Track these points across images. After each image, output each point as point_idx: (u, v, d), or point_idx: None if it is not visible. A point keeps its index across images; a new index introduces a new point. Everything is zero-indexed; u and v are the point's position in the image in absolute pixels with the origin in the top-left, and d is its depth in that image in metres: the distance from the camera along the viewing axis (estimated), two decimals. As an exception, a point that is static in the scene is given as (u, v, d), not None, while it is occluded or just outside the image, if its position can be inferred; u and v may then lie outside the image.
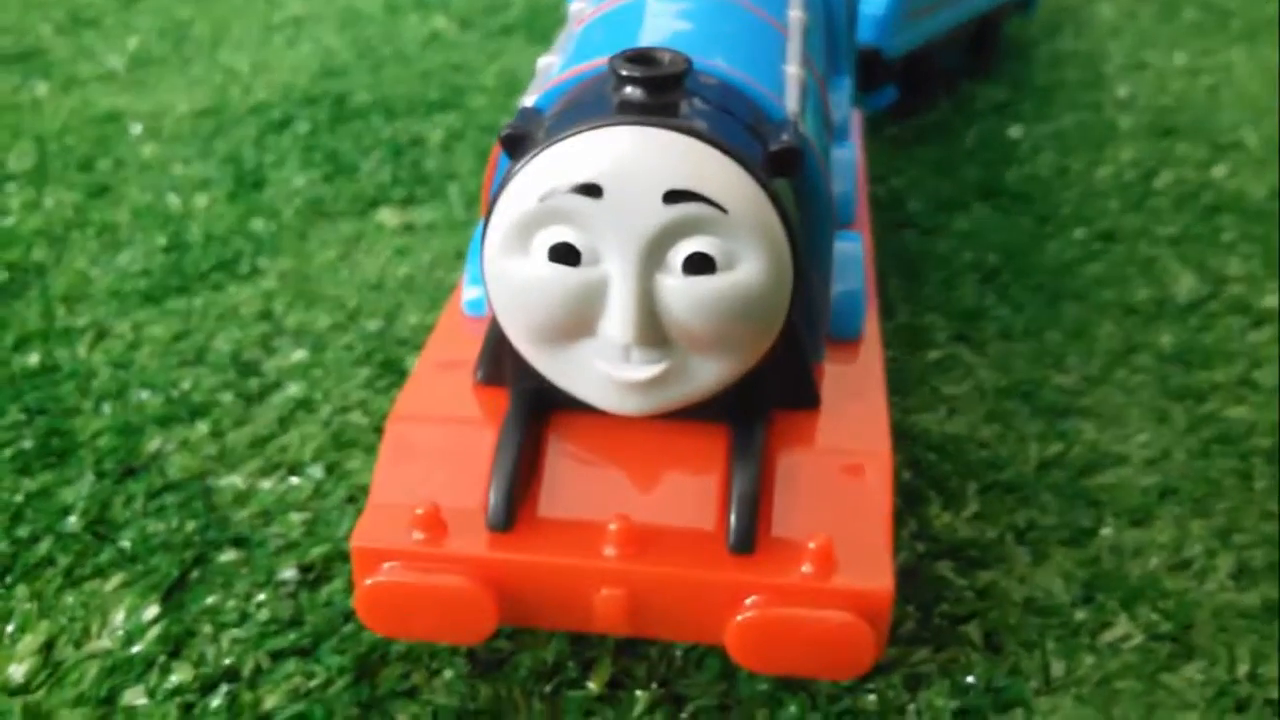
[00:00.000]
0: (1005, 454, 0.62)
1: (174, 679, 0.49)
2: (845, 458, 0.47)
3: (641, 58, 0.44)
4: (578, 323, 0.43)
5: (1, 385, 0.66)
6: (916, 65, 0.98)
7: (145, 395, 0.65)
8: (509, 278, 0.43)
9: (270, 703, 0.48)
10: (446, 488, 0.47)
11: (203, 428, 0.62)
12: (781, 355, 0.47)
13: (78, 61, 1.09)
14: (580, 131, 0.42)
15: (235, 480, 0.59)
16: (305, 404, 0.64)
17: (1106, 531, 0.57)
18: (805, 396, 0.49)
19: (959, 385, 0.68)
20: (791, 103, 0.48)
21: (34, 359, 0.68)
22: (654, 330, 0.43)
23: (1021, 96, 1.03)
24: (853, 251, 0.55)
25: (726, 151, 0.42)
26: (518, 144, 0.44)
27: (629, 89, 0.43)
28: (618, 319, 0.42)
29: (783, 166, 0.44)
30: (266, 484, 0.59)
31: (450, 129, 0.96)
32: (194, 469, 0.60)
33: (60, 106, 1.00)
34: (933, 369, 0.69)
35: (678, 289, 0.42)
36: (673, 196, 0.41)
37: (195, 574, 0.54)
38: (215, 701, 0.48)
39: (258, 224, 0.81)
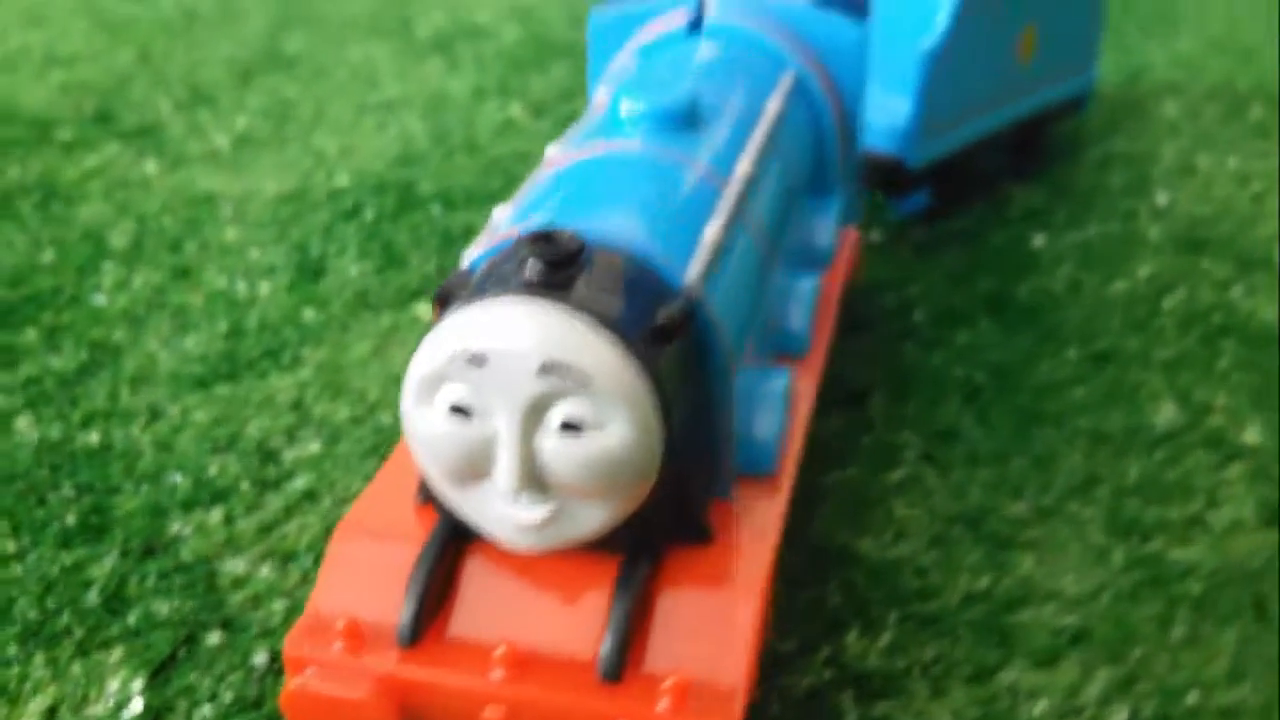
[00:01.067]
0: (936, 583, 0.66)
1: (148, 747, 0.57)
2: (718, 596, 0.52)
3: (543, 237, 0.50)
4: (476, 469, 0.50)
5: (62, 461, 0.76)
6: (951, 170, 1.01)
7: (178, 478, 0.74)
8: (418, 426, 0.50)
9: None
10: (374, 602, 0.54)
11: (218, 513, 0.71)
12: (667, 497, 0.52)
13: (189, 140, 1.21)
14: (480, 301, 0.49)
15: (238, 565, 0.67)
16: (311, 495, 0.72)
17: (1011, 672, 0.61)
18: (696, 533, 0.55)
19: (912, 509, 0.72)
20: (693, 271, 0.54)
21: (94, 438, 0.78)
22: (536, 480, 0.49)
23: (1059, 202, 1.05)
24: (776, 390, 0.60)
25: (599, 326, 0.48)
26: (442, 303, 0.51)
27: (528, 265, 0.49)
28: (503, 470, 0.49)
29: (666, 336, 0.50)
30: (264, 570, 0.67)
31: (503, 220, 1.03)
32: (204, 552, 0.68)
33: (164, 185, 1.11)
34: (893, 489, 0.73)
35: (554, 448, 0.48)
36: (546, 368, 0.47)
37: (184, 652, 0.62)
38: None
39: (309, 313, 0.91)
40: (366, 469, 0.75)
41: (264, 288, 0.94)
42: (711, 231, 0.56)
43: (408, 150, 1.17)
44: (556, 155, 0.64)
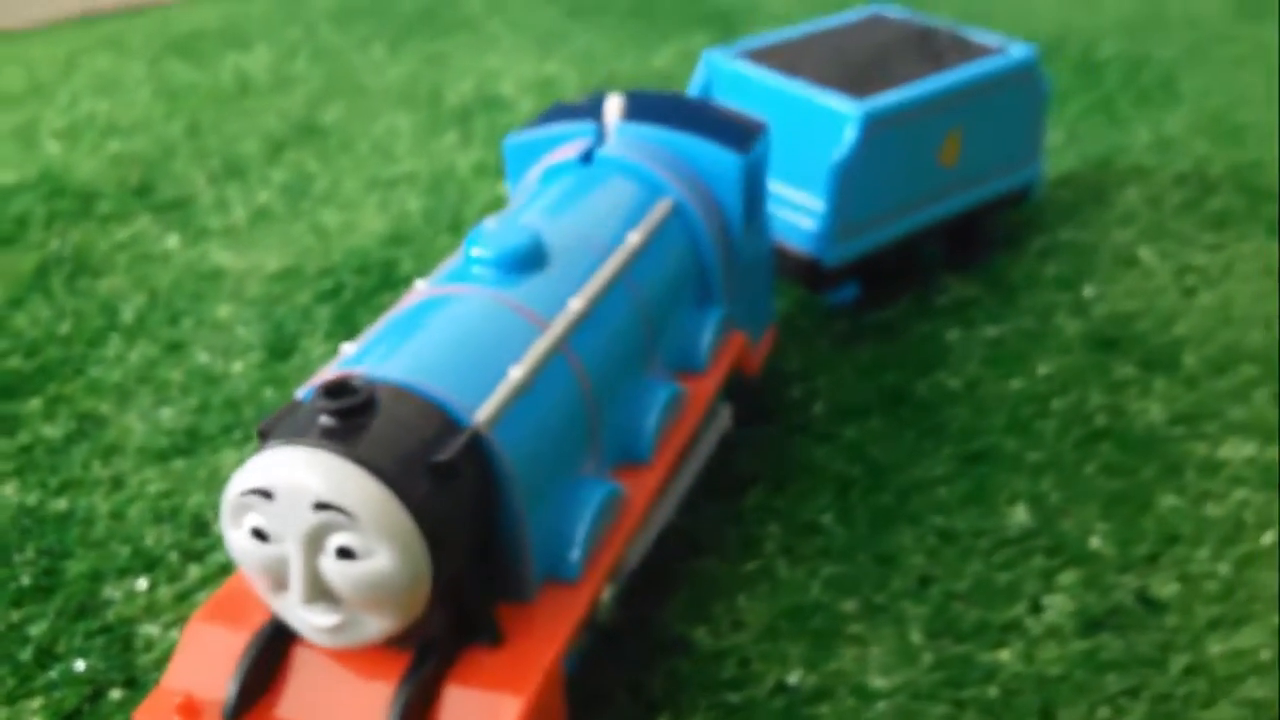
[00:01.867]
0: (755, 673, 0.73)
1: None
2: (490, 694, 0.60)
3: (336, 389, 0.59)
4: (278, 581, 0.59)
5: (32, 526, 0.88)
6: (879, 264, 1.07)
7: (121, 547, 0.85)
8: (232, 543, 0.59)
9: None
10: (210, 682, 0.63)
11: (144, 581, 0.82)
12: (449, 606, 0.61)
13: (213, 214, 1.33)
14: (277, 445, 0.58)
15: (152, 629, 0.78)
16: (227, 567, 0.83)
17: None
18: (488, 635, 0.63)
19: (756, 600, 0.78)
20: (483, 412, 0.62)
21: (62, 504, 0.90)
22: (322, 595, 0.58)
23: (989, 294, 1.10)
24: (588, 504, 0.68)
25: (368, 471, 0.56)
26: (262, 436, 0.61)
27: (320, 412, 0.58)
28: (294, 586, 0.58)
29: (442, 473, 0.59)
30: (173, 634, 0.78)
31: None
32: (127, 616, 0.79)
33: (181, 259, 1.24)
34: (745, 581, 0.80)
35: (333, 569, 0.57)
36: (320, 506, 0.56)
37: (88, 707, 0.73)
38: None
39: (268, 392, 1.01)
40: (283, 543, 0.85)
41: (237, 365, 1.05)
42: (515, 373, 0.65)
43: (400, 229, 1.27)
44: (416, 291, 0.73)
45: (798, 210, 1.02)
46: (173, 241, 1.28)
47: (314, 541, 0.57)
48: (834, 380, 0.99)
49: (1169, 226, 1.19)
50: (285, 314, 1.12)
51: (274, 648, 0.63)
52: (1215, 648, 0.73)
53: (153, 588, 0.81)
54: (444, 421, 0.61)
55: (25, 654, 0.77)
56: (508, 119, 1.53)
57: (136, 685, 0.74)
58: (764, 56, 1.07)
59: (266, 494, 0.57)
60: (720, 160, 0.86)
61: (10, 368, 1.07)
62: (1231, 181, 1.27)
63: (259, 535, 0.58)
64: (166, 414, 1.00)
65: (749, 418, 0.94)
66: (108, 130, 1.55)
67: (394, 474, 0.57)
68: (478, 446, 0.61)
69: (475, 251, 0.72)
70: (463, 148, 1.46)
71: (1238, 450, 0.89)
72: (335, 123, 1.55)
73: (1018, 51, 1.08)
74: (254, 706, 0.62)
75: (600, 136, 0.88)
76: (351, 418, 0.58)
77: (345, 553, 0.57)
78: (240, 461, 0.93)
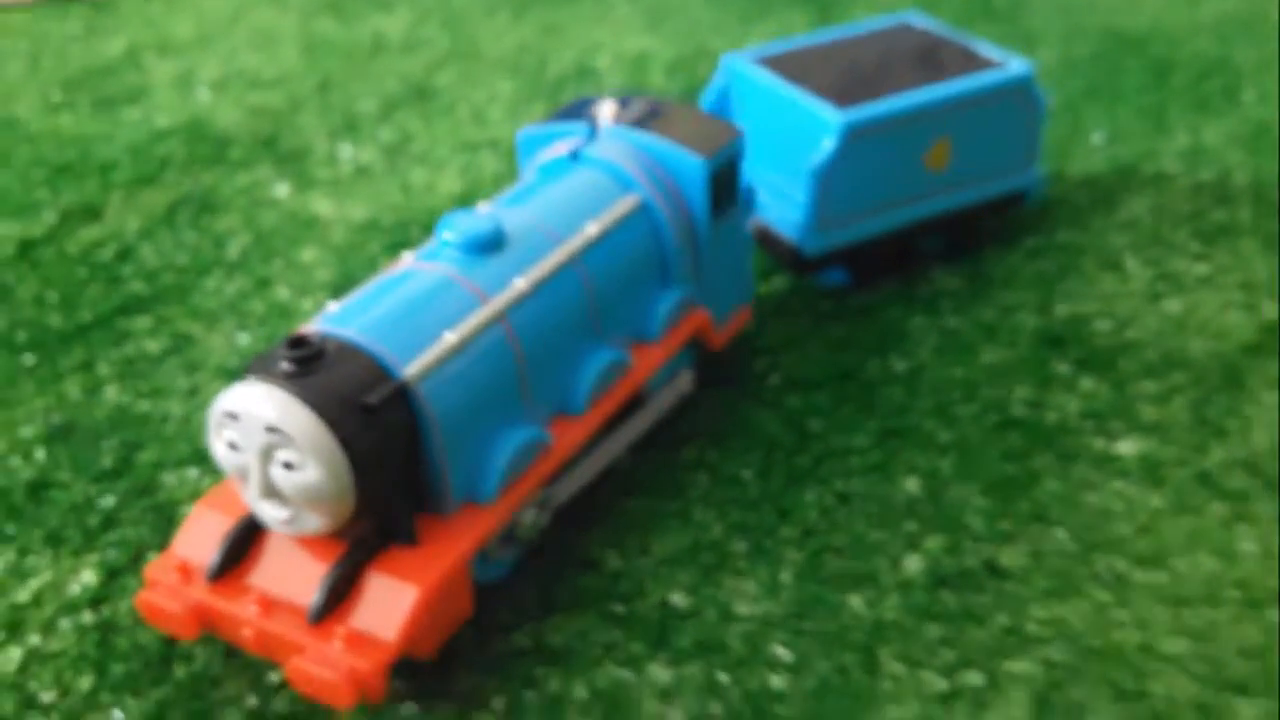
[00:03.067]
0: (644, 591, 0.88)
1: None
2: (397, 582, 0.78)
3: (298, 341, 0.77)
4: (242, 482, 0.78)
5: (121, 421, 1.10)
6: (867, 253, 1.18)
7: (183, 445, 1.06)
8: (215, 450, 0.78)
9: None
10: (203, 552, 0.83)
11: (194, 472, 1.03)
12: (374, 513, 0.78)
13: (323, 167, 1.54)
14: (248, 378, 0.76)
15: (189, 509, 0.99)
16: (260, 467, 1.03)
17: (654, 667, 0.83)
18: (406, 538, 0.80)
19: (666, 535, 0.93)
20: (413, 368, 0.79)
21: (147, 406, 1.12)
22: (273, 494, 0.76)
23: (968, 287, 1.20)
24: (508, 444, 0.84)
25: (307, 404, 0.74)
26: (248, 370, 0.79)
27: (282, 358, 0.76)
28: (251, 486, 0.77)
29: (371, 411, 0.76)
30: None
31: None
32: (176, 498, 1.00)
33: (287, 206, 1.45)
34: (662, 518, 0.95)
35: (279, 476, 0.75)
36: (268, 429, 0.74)
37: (130, 566, 0.94)
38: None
39: (326, 327, 1.21)
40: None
41: (307, 303, 1.25)
42: (449, 339, 0.81)
43: (471, 191, 1.45)
44: (400, 262, 0.90)
45: (787, 202, 1.15)
46: (283, 190, 1.49)
47: (266, 454, 0.75)
48: (797, 355, 1.12)
49: (1163, 235, 1.26)
50: (356, 261, 1.32)
51: (249, 533, 0.82)
52: (1037, 613, 0.85)
53: (200, 477, 1.02)
54: (379, 373, 0.78)
55: (93, 521, 0.99)
56: (592, 91, 1.68)
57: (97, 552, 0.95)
58: (778, 63, 1.19)
59: (234, 416, 0.76)
60: (688, 163, 1.00)
61: (131, 291, 1.30)
62: (1249, 194, 1.32)
63: (231, 446, 0.77)
64: (243, 339, 1.21)
65: (713, 382, 1.09)
66: (253, 83, 1.77)
67: (327, 409, 0.75)
68: (405, 395, 0.78)
69: (445, 235, 0.89)
70: (542, 116, 1.62)
71: (1133, 448, 0.99)
72: (446, 86, 1.74)
73: (1015, 67, 1.17)
74: (229, 573, 0.82)
75: (591, 137, 1.03)
76: (304, 364, 0.76)
77: (287, 465, 0.75)
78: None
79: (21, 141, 1.63)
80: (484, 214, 0.90)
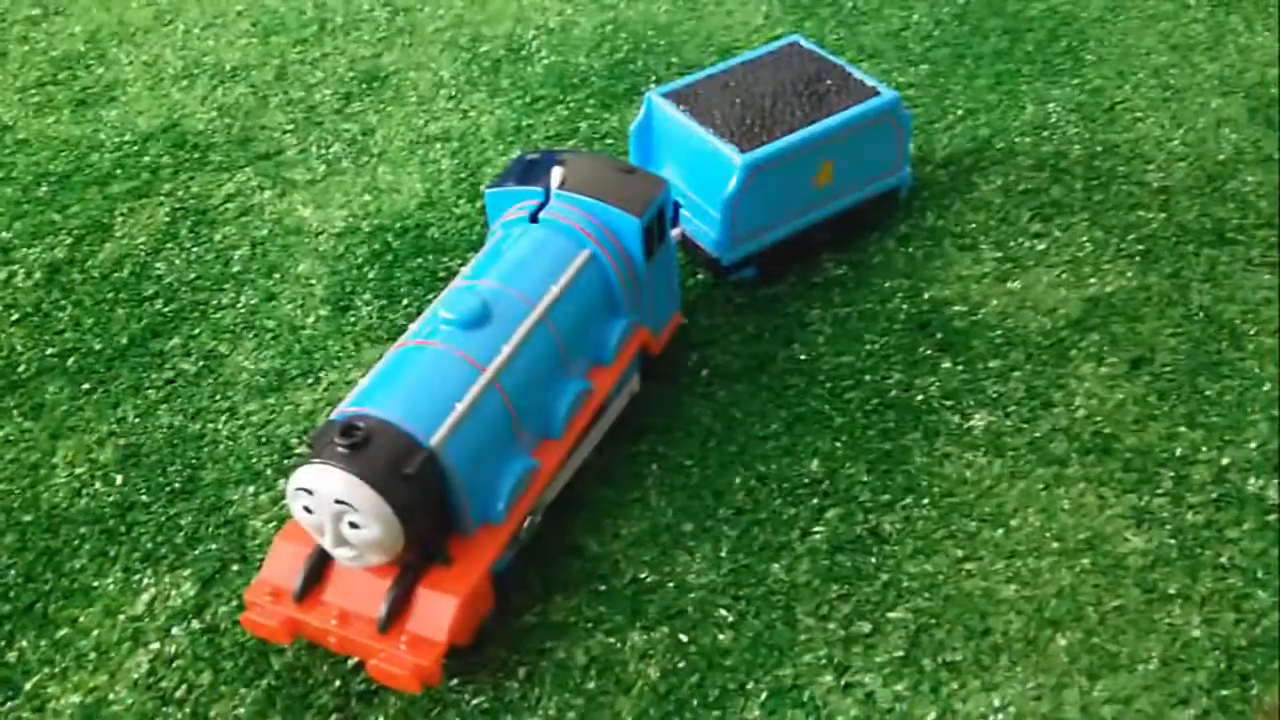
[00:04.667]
0: (619, 570, 1.17)
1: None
2: (440, 593, 1.06)
3: (346, 428, 1.03)
4: (319, 532, 1.05)
5: (179, 444, 1.35)
6: (771, 254, 1.44)
7: (236, 463, 1.32)
8: (292, 510, 1.05)
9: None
10: (288, 577, 1.10)
11: (251, 489, 1.29)
12: (419, 546, 1.06)
13: (297, 167, 1.74)
14: (312, 462, 1.02)
15: (257, 524, 1.25)
16: (303, 481, 1.29)
17: (632, 633, 1.12)
18: (440, 558, 1.08)
19: (630, 520, 1.22)
20: (437, 436, 1.05)
21: (197, 427, 1.36)
22: (343, 543, 1.04)
23: (852, 275, 1.47)
24: (509, 475, 1.12)
25: (363, 479, 1.00)
26: (310, 447, 1.05)
27: (332, 445, 1.02)
28: (326, 539, 1.04)
29: (410, 478, 1.02)
30: (269, 529, 1.25)
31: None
32: (242, 514, 1.27)
33: (274, 212, 1.66)
34: (626, 506, 1.24)
35: (347, 532, 1.02)
36: (337, 501, 1.01)
37: (219, 576, 1.21)
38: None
39: (332, 344, 1.45)
40: (339, 464, 1.30)
41: (310, 318, 1.49)
42: (459, 408, 1.07)
43: (431, 192, 1.67)
44: (403, 339, 1.15)
45: (705, 219, 1.40)
46: (268, 194, 1.70)
47: (337, 517, 1.02)
48: (721, 348, 1.40)
49: (1010, 214, 1.53)
50: (345, 273, 1.55)
51: (322, 560, 1.10)
52: (909, 569, 1.16)
53: (256, 494, 1.29)
54: (412, 445, 1.05)
55: (179, 538, 1.25)
56: (527, 73, 1.88)
57: (248, 562, 1.22)
58: (686, 100, 1.42)
59: (309, 491, 1.02)
60: (625, 221, 1.24)
61: (156, 309, 1.53)
62: (1082, 167, 1.59)
63: (307, 510, 1.04)
64: (265, 357, 1.45)
65: (655, 377, 1.36)
66: (216, 74, 1.94)
67: (378, 482, 1.01)
68: (433, 459, 1.05)
69: (443, 314, 1.14)
70: (488, 105, 1.82)
71: (981, 421, 1.29)
72: (394, 69, 1.92)
73: (885, 96, 1.41)
74: (310, 592, 1.10)
75: (545, 199, 1.26)
76: (355, 448, 1.02)
77: (353, 525, 1.02)
78: (313, 402, 1.38)
79: (17, 149, 1.81)
80: (474, 294, 1.15)
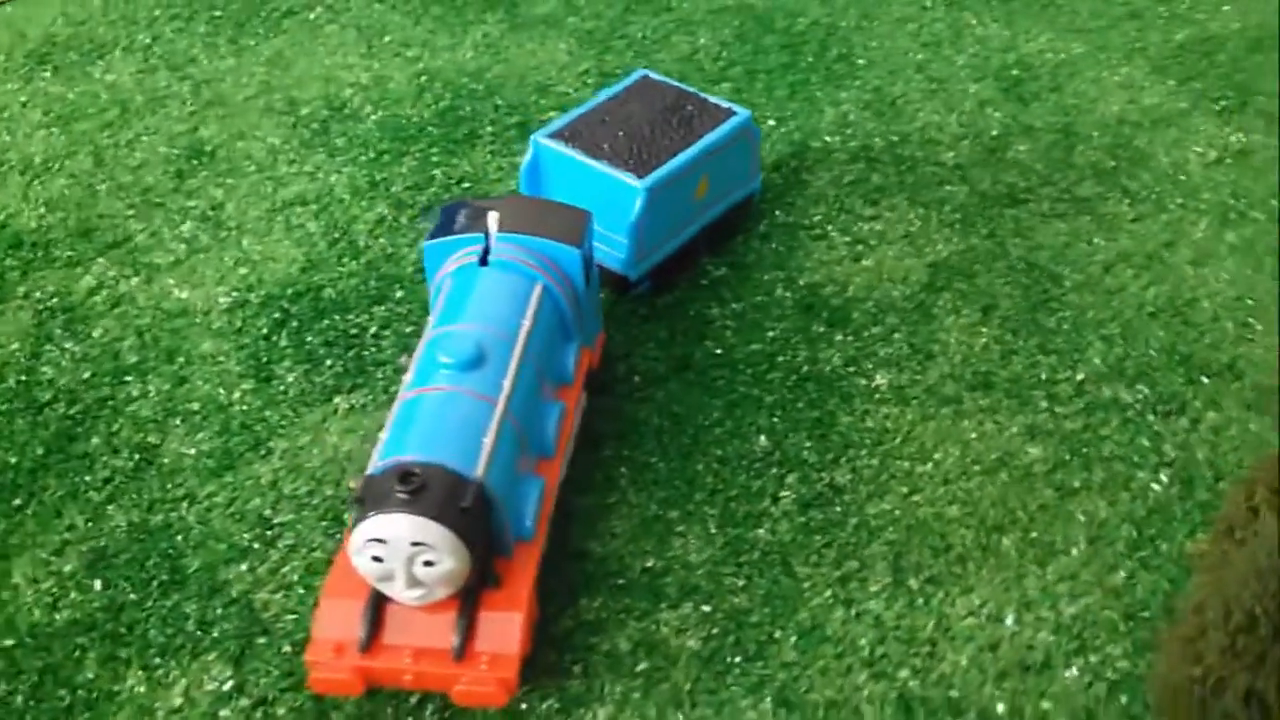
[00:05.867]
0: (626, 566, 1.29)
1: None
2: (503, 613, 1.15)
3: (403, 474, 1.10)
4: (385, 578, 1.11)
5: (145, 538, 1.34)
6: (663, 266, 1.60)
7: (218, 544, 1.34)
8: (358, 564, 1.11)
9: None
10: (346, 629, 1.15)
11: (244, 566, 1.31)
12: (478, 574, 1.14)
13: (154, 250, 1.73)
14: (379, 512, 1.09)
15: (264, 596, 1.28)
16: (296, 547, 1.33)
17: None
18: (493, 582, 1.17)
19: (620, 520, 1.34)
20: (478, 469, 1.14)
21: (159, 518, 1.36)
22: (415, 584, 1.11)
23: (734, 274, 1.65)
24: (531, 496, 1.22)
25: (431, 519, 1.08)
26: (360, 501, 1.11)
27: (395, 493, 1.09)
28: (397, 584, 1.10)
29: (467, 510, 1.11)
30: (278, 596, 1.28)
31: (384, 319, 1.60)
32: (244, 590, 1.29)
33: (149, 298, 1.65)
34: (609, 509, 1.36)
35: (420, 571, 1.10)
36: (413, 544, 1.08)
37: (247, 651, 1.23)
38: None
39: (268, 413, 1.48)
40: (326, 525, 1.35)
41: (236, 395, 1.51)
42: (487, 441, 1.17)
43: (310, 255, 1.70)
44: (405, 392, 1.22)
45: (611, 244, 1.54)
46: (134, 281, 1.68)
47: (410, 560, 1.09)
48: (643, 356, 1.54)
49: (845, 203, 1.76)
50: (252, 345, 1.57)
51: (377, 606, 1.16)
52: (870, 511, 1.35)
53: (252, 569, 1.31)
54: (460, 482, 1.13)
55: (189, 626, 1.26)
56: (360, 130, 1.94)
57: (271, 634, 1.25)
58: (570, 138, 1.56)
59: (381, 540, 1.09)
60: (567, 253, 1.36)
61: (61, 414, 1.49)
62: (888, 156, 1.84)
63: (376, 559, 1.10)
64: (202, 439, 1.46)
65: (595, 391, 1.48)
66: (28, 169, 1.88)
67: (448, 519, 1.09)
68: (481, 490, 1.14)
69: (442, 358, 1.22)
70: (332, 165, 1.87)
71: (884, 380, 1.50)
72: (219, 142, 1.93)
73: (740, 115, 1.60)
74: (374, 640, 1.15)
75: (488, 244, 1.36)
76: (415, 492, 1.10)
77: (428, 563, 1.09)
78: (273, 472, 1.41)
79: None
80: (465, 337, 1.24)
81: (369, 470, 1.15)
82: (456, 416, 1.19)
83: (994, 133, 1.88)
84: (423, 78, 2.06)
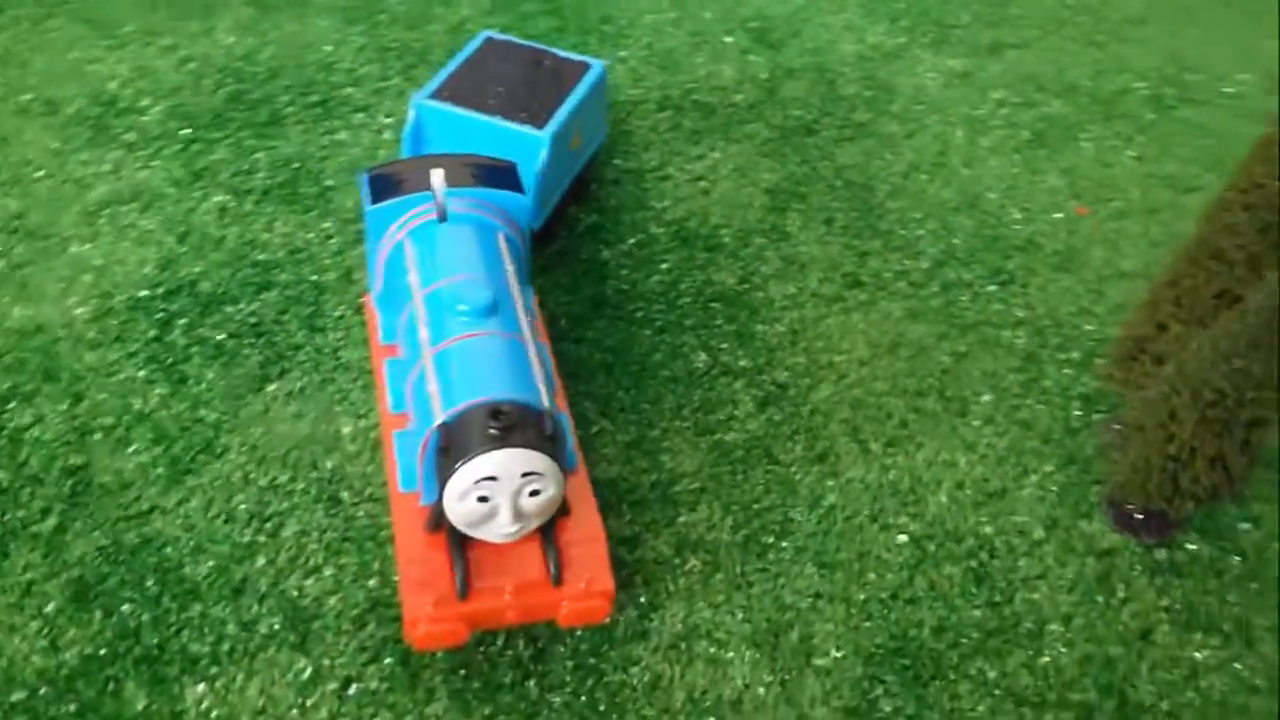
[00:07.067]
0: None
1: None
2: (588, 540, 1.19)
3: (494, 411, 1.11)
4: (486, 518, 1.12)
5: (125, 558, 1.23)
6: (553, 214, 1.65)
7: (215, 546, 1.25)
8: (456, 508, 1.11)
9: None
10: (440, 582, 1.14)
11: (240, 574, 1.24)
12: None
13: (-32, 271, 1.53)
14: (481, 451, 1.09)
15: (300, 581, 1.22)
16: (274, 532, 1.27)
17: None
18: (564, 510, 1.20)
19: (604, 449, 1.41)
20: (546, 401, 1.17)
21: (132, 537, 1.25)
22: (519, 518, 1.12)
23: (606, 219, 1.73)
24: (567, 427, 1.25)
25: (533, 448, 1.10)
26: (448, 448, 1.11)
27: (494, 430, 1.10)
28: (502, 519, 1.11)
29: (552, 438, 1.14)
30: (291, 581, 1.23)
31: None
32: (271, 580, 1.22)
33: (-10, 322, 1.47)
34: (586, 442, 1.42)
35: (527, 503, 1.11)
36: (525, 475, 1.10)
37: (292, 636, 1.18)
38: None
39: (202, 412, 1.38)
40: (325, 506, 1.30)
41: (153, 403, 1.39)
42: (536, 371, 1.19)
43: (161, 254, 1.59)
44: (429, 348, 1.21)
45: (506, 199, 1.57)
46: (-37, 306, 1.48)
47: (517, 492, 1.11)
48: (556, 300, 1.59)
49: (672, 145, 1.89)
50: (145, 350, 1.45)
51: (460, 549, 1.15)
52: (815, 398, 1.50)
53: (269, 562, 1.24)
54: (535, 412, 1.15)
55: (232, 629, 1.18)
56: (145, 121, 1.80)
57: (321, 618, 1.20)
58: (452, 98, 1.57)
59: (493, 478, 1.09)
60: (517, 201, 1.40)
61: (-51, 452, 1.31)
62: (688, 103, 1.99)
63: (482, 499, 1.10)
64: (137, 454, 1.33)
65: (525, 340, 1.52)
66: None
67: (544, 447, 1.12)
68: (554, 419, 1.16)
69: (461, 307, 1.22)
70: (133, 160, 1.73)
71: (776, 291, 1.65)
72: (-22, 151, 1.72)
73: (596, 66, 1.68)
74: (468, 586, 1.15)
75: (439, 201, 1.36)
76: (509, 428, 1.11)
77: (535, 493, 1.11)
78: (239, 465, 1.33)
79: None
80: (475, 285, 1.25)
81: (439, 421, 1.14)
82: (502, 355, 1.20)
83: (763, 76, 2.09)
84: (191, 64, 1.94)
